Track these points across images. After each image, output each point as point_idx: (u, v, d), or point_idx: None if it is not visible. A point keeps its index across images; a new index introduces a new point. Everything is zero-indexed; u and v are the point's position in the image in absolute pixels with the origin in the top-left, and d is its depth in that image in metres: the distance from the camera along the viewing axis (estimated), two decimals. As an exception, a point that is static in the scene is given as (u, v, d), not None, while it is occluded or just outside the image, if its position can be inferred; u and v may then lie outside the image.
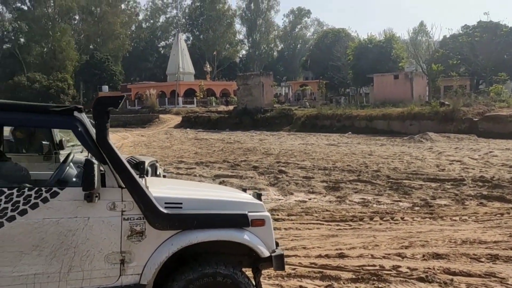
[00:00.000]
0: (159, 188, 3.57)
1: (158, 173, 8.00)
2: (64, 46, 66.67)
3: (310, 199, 10.02)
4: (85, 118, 3.22)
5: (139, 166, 3.50)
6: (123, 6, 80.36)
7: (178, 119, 40.68)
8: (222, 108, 46.31)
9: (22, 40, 70.66)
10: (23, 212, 2.97)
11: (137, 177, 3.24)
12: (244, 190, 4.30)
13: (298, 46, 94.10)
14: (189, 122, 38.77)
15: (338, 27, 67.33)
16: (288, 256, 5.95)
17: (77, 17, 75.72)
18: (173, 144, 24.10)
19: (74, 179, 3.26)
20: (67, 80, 61.98)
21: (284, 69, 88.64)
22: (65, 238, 3.06)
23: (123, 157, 3.26)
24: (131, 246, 3.22)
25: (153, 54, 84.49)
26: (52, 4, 69.89)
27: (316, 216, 8.33)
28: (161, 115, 43.00)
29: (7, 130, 7.05)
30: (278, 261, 3.63)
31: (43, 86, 58.40)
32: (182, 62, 58.80)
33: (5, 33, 70.58)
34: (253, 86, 38.62)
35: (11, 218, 2.94)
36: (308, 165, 14.83)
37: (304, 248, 6.36)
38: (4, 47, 70.63)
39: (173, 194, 3.50)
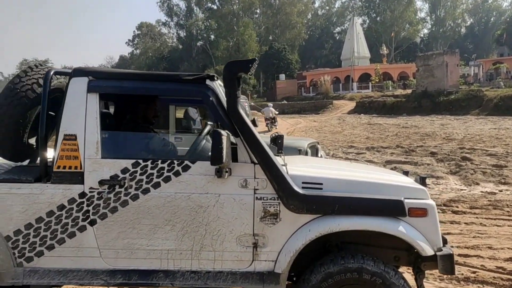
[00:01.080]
0: (298, 166, 3.15)
1: (319, 155, 7.61)
2: (247, 39, 71.42)
3: (501, 190, 8.44)
4: (218, 87, 2.98)
5: (277, 140, 3.13)
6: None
7: (352, 105, 39.78)
8: (399, 92, 43.58)
9: (212, 36, 78.22)
10: (156, 185, 2.88)
11: (270, 152, 2.88)
12: (406, 173, 3.58)
13: (492, 19, 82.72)
14: (363, 108, 37.51)
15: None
16: (468, 256, 5.00)
17: (258, 11, 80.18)
18: (344, 129, 23.52)
19: (209, 153, 3.05)
20: (248, 71, 66.30)
21: (474, 47, 79.09)
22: (196, 215, 2.87)
23: (256, 130, 2.92)
24: (265, 229, 2.88)
25: (328, 41, 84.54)
26: (237, 1, 75.46)
27: (508, 211, 6.91)
28: (334, 101, 42.63)
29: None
30: (445, 262, 2.87)
31: (228, 77, 63.55)
32: (357, 46, 57.25)
33: (198, 31, 79.13)
34: (435, 66, 35.19)
35: (146, 191, 2.88)
36: (500, 151, 12.67)
37: (490, 248, 5.26)
38: (198, 44, 79.33)
39: (312, 173, 3.03)
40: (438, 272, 2.98)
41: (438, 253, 2.88)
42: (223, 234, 2.88)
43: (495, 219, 6.55)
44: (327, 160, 4.31)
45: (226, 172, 2.80)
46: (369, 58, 60.61)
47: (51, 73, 3.05)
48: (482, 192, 8.39)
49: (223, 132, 2.72)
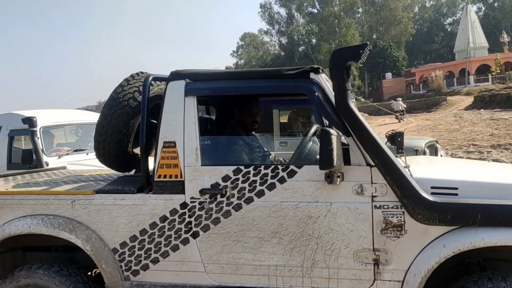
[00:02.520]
0: (424, 167, 2.65)
1: (439, 155, 6.83)
2: (349, 40, 69.62)
3: None
4: (323, 80, 2.62)
5: (395, 138, 2.67)
6: (404, -11, 78.07)
7: (469, 100, 36.41)
8: (526, 82, 38.94)
9: (313, 40, 77.84)
10: (260, 194, 2.60)
11: (390, 152, 2.44)
12: None
13: None
14: (482, 102, 34.06)
15: None
16: None
17: (360, 10, 78.00)
18: (462, 126, 21.45)
19: (317, 156, 2.70)
20: (352, 72, 64.61)
21: None
22: (306, 226, 2.54)
23: (371, 127, 2.50)
24: (387, 243, 2.44)
25: (438, 34, 79.04)
26: (337, 2, 74.24)
27: None
28: (448, 97, 39.42)
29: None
30: None
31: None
32: (473, 36, 52.46)
33: (300, 36, 79.28)
34: None
35: (249, 200, 2.61)
36: None
37: None
38: (300, 49, 79.47)
39: (443, 176, 2.52)
40: None
41: None
42: (338, 248, 2.51)
43: None
44: (458, 159, 3.69)
45: (338, 177, 2.43)
46: (487, 48, 55.23)
47: (150, 79, 2.95)
48: None
49: (332, 131, 2.36)
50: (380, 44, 64.05)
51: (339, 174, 2.43)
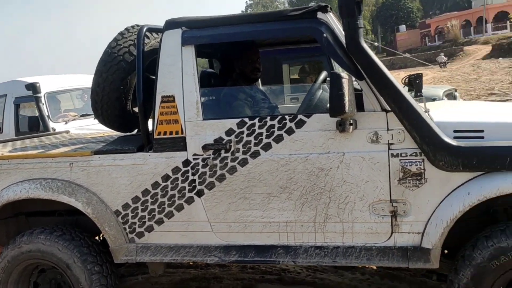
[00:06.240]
0: (445, 111, 2.43)
1: (458, 104, 6.54)
2: (360, -7, 67.39)
3: None
4: (332, 20, 2.37)
5: (413, 81, 2.44)
6: None
7: (487, 49, 35.25)
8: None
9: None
10: (267, 147, 2.42)
11: (408, 95, 2.22)
12: None
13: None
14: (501, 51, 32.95)
15: None
16: None
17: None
18: (480, 76, 20.81)
19: (327, 105, 2.48)
20: (364, 26, 62.74)
21: None
22: (317, 179, 2.36)
23: (386, 68, 2.26)
24: (405, 193, 2.26)
25: (454, -19, 76.04)
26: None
27: None
28: (465, 47, 38.24)
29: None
30: None
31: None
32: (490, -18, 50.29)
33: (309, -8, 77.03)
34: None
35: (255, 154, 2.44)
36: None
37: None
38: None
39: (467, 118, 2.31)
40: None
41: None
42: (352, 201, 2.34)
43: None
44: (481, 102, 3.44)
45: (351, 124, 2.23)
46: (506, -7, 52.99)
47: (144, 30, 2.73)
48: None
49: (343, 74, 2.14)
50: (393, -5, 61.82)
51: (351, 121, 2.23)
